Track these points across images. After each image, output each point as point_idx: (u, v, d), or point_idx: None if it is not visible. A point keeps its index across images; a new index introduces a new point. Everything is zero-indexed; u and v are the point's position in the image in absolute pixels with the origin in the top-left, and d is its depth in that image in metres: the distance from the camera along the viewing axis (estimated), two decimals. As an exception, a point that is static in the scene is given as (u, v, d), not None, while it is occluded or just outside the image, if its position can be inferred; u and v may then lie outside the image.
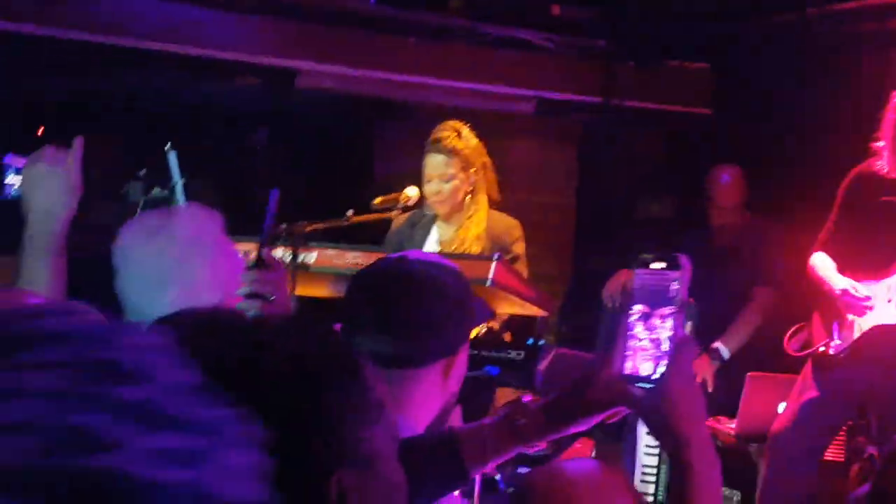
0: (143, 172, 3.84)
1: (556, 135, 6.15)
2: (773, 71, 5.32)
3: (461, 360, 1.78)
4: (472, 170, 3.90)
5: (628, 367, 1.41)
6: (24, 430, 0.49)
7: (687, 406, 1.37)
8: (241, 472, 0.57)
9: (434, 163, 3.89)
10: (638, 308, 1.40)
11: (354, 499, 0.95)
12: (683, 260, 1.41)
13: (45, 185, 1.86)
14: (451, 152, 3.88)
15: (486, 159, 3.98)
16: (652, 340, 1.39)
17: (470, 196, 3.91)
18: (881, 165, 3.76)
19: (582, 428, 1.49)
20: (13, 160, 1.96)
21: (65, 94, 5.97)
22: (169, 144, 3.64)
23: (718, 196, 5.17)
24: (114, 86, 5.66)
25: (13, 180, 1.96)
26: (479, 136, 4.46)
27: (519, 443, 1.50)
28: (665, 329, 1.38)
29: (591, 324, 5.58)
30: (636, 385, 1.40)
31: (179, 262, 1.82)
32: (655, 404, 1.37)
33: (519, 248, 3.89)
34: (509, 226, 3.94)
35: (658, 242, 5.69)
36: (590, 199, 6.11)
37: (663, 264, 1.42)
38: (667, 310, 1.39)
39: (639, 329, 1.40)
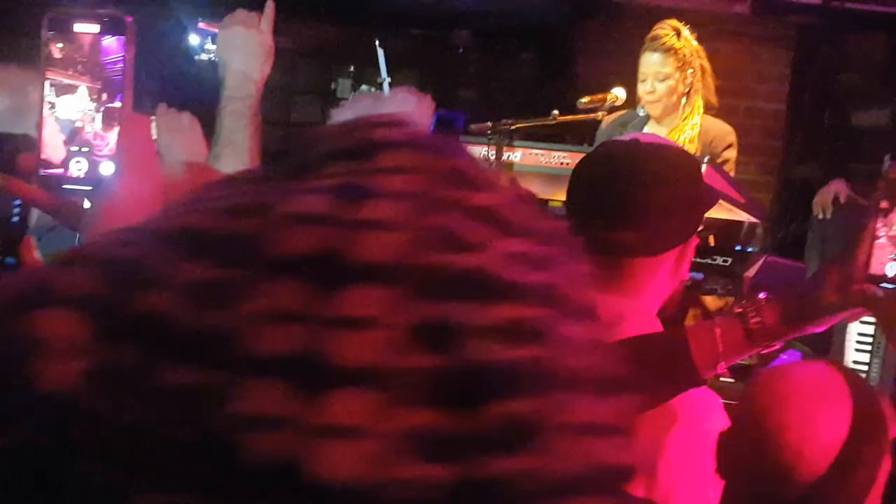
0: (351, 69, 3.92)
1: (771, 37, 5.88)
2: None
3: (692, 247, 1.74)
4: (689, 71, 3.80)
5: (871, 267, 1.35)
6: (390, 227, 0.50)
7: None
8: (583, 280, 0.58)
9: (650, 61, 3.81)
10: (882, 205, 1.35)
11: None
12: None
13: (241, 47, 1.88)
14: (669, 51, 3.79)
15: (706, 63, 3.87)
16: (890, 238, 1.33)
17: (685, 98, 3.82)
18: None
19: (817, 329, 1.43)
20: (207, 26, 1.99)
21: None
22: (378, 41, 3.70)
23: None
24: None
25: (212, 47, 1.99)
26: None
27: (751, 345, 1.45)
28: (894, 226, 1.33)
29: (797, 233, 5.39)
30: (879, 286, 1.34)
31: None
32: (892, 304, 1.32)
33: (730, 154, 3.79)
34: (723, 132, 3.84)
35: (873, 154, 5.40)
36: (802, 105, 5.85)
37: None
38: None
39: (880, 226, 1.35)
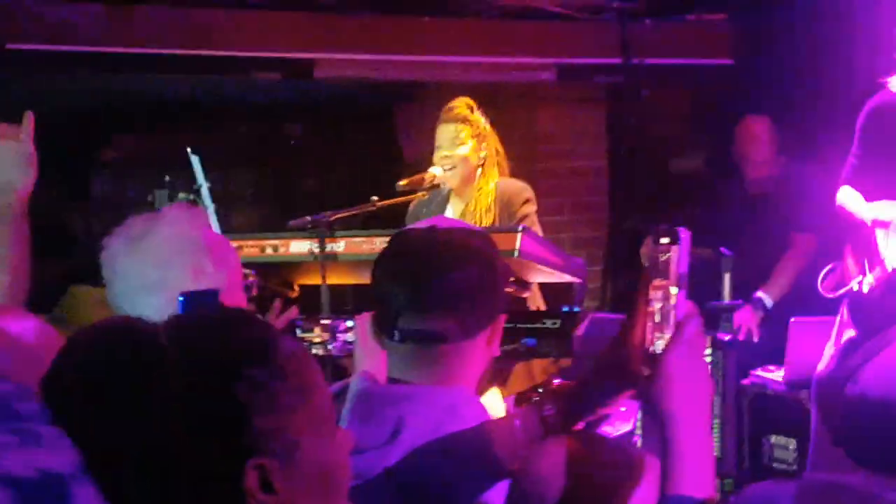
0: (167, 179, 3.89)
1: (582, 99, 6.11)
2: (791, 14, 5.23)
3: (501, 324, 1.77)
4: (482, 144, 3.91)
5: (647, 343, 1.38)
6: None
7: (684, 383, 1.33)
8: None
9: (445, 130, 3.93)
10: (649, 282, 1.39)
11: (281, 484, 0.97)
12: (682, 233, 1.39)
13: (1, 159, 1.92)
14: (463, 121, 3.91)
15: (499, 145, 4.00)
16: (651, 314, 1.37)
17: (480, 170, 3.93)
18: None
19: (609, 411, 1.47)
20: None
21: (89, 105, 6.05)
22: (190, 149, 3.69)
23: (749, 150, 5.10)
24: (137, 94, 5.72)
25: None
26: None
27: (552, 432, 1.49)
28: (658, 301, 1.37)
29: (634, 285, 5.56)
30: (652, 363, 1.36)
31: (161, 270, 1.82)
32: (651, 381, 1.34)
33: (528, 209, 3.88)
34: (517, 189, 3.94)
35: (692, 198, 5.65)
36: (621, 160, 6.07)
37: (668, 238, 1.40)
38: (658, 282, 1.38)
39: (649, 304, 1.39)
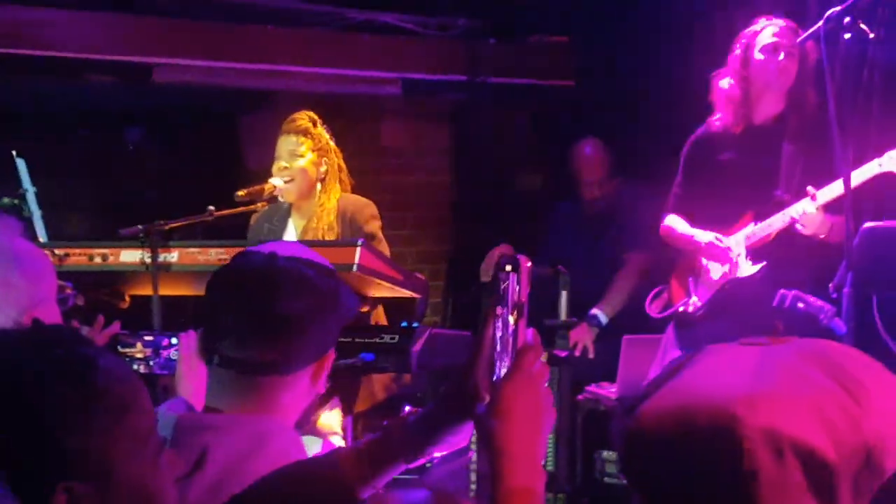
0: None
1: (427, 114, 6.15)
2: (632, 39, 5.38)
3: (329, 362, 1.73)
4: (323, 158, 3.87)
5: (492, 372, 1.36)
6: None
7: (520, 414, 1.29)
8: None
9: (286, 142, 3.89)
10: (498, 311, 1.38)
11: None
12: (521, 261, 1.39)
13: None
14: (304, 133, 3.87)
15: (342, 162, 3.95)
16: (495, 342, 1.37)
17: (321, 185, 3.88)
18: (718, 122, 3.87)
19: (461, 438, 1.43)
20: None
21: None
22: (15, 152, 3.54)
23: (583, 171, 5.24)
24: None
25: None
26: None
27: (400, 459, 1.45)
28: (499, 330, 1.36)
29: (476, 301, 5.60)
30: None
31: None
32: (485, 411, 1.31)
33: (372, 226, 3.85)
34: (361, 205, 3.90)
35: (532, 216, 5.74)
36: (464, 176, 6.13)
37: (510, 266, 1.40)
38: (500, 310, 1.37)
39: (495, 332, 1.37)
